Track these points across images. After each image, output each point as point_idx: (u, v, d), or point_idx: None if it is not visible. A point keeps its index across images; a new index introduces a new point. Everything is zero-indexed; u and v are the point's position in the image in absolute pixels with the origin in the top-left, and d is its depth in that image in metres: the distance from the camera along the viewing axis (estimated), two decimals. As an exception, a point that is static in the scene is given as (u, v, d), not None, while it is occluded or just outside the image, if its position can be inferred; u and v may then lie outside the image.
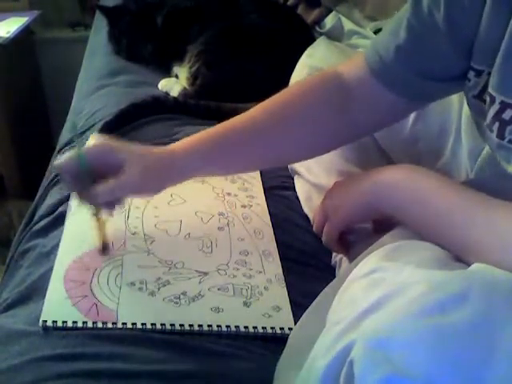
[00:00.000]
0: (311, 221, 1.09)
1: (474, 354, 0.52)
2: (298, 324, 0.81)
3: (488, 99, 0.81)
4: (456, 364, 0.52)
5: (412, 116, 1.11)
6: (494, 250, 0.68)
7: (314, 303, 0.79)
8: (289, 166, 1.24)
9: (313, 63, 1.25)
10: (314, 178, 1.14)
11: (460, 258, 0.72)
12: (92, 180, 0.89)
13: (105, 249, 0.96)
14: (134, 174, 0.89)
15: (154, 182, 0.94)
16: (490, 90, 0.80)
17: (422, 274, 0.62)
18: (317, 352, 0.60)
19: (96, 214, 0.94)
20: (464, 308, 0.55)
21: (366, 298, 0.61)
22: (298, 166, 1.19)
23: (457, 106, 1.10)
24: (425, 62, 0.91)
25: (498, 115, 0.79)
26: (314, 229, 1.00)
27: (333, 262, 1.02)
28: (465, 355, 0.52)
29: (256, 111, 1.02)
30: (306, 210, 1.14)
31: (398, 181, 0.82)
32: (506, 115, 0.78)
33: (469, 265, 0.68)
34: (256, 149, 1.00)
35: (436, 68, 0.91)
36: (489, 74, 0.81)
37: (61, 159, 0.91)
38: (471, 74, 0.85)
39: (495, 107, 0.79)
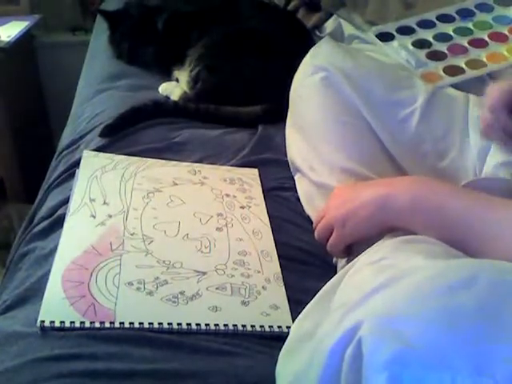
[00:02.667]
0: (314, 223, 1.09)
1: (482, 331, 0.53)
2: (299, 317, 0.81)
3: None
4: (465, 339, 0.53)
5: (416, 116, 1.11)
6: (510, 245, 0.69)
7: (315, 297, 0.79)
8: (290, 164, 1.23)
9: (317, 62, 1.25)
10: (317, 176, 1.13)
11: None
12: None
13: None
14: None
15: None
16: None
17: (431, 261, 0.63)
18: (323, 332, 0.61)
19: None
20: (473, 290, 0.56)
21: (373, 280, 0.61)
22: (300, 164, 1.18)
23: (462, 105, 1.10)
24: None
25: None
26: (316, 237, 0.99)
27: (334, 260, 1.02)
28: (474, 332, 0.53)
29: None
30: (307, 209, 1.14)
31: (411, 192, 0.82)
32: None
33: None
34: None
35: None
36: None
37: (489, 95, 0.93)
38: None
39: None
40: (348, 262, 0.87)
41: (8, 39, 2.35)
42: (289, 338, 0.77)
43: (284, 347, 0.75)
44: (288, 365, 0.72)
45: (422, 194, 0.81)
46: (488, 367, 0.51)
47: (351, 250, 0.95)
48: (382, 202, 0.84)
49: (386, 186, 0.85)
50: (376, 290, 0.59)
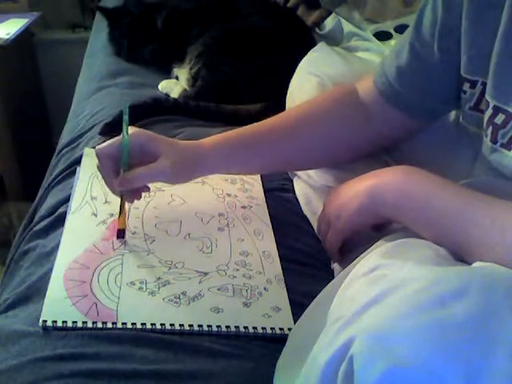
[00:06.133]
0: (312, 224, 1.10)
1: (473, 346, 0.52)
2: (297, 322, 0.81)
3: (485, 106, 0.83)
4: (456, 355, 0.52)
5: None
6: (496, 248, 0.68)
7: (313, 302, 0.79)
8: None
9: (312, 69, 1.26)
10: (312, 180, 1.15)
11: (462, 257, 0.72)
12: (126, 166, 0.96)
13: (120, 235, 1.00)
14: (166, 164, 0.97)
15: (182, 172, 1.02)
16: (486, 96, 0.82)
17: (423, 270, 0.62)
18: (318, 348, 0.60)
19: (122, 199, 1.00)
20: (464, 302, 0.55)
21: (366, 294, 0.61)
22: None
23: (453, 112, 1.10)
24: (426, 82, 0.97)
25: (491, 120, 0.82)
26: (317, 234, 1.00)
27: (332, 267, 1.02)
28: (465, 347, 0.52)
29: (282, 117, 1.10)
30: (305, 211, 1.14)
31: (397, 183, 0.82)
32: (498, 119, 0.81)
33: (470, 264, 0.68)
34: (279, 151, 1.07)
35: (436, 88, 0.97)
36: (483, 84, 0.85)
37: (104, 144, 0.98)
38: (466, 86, 0.88)
39: (489, 112, 0.81)
40: (343, 267, 0.88)
41: (7, 37, 2.35)
42: (285, 349, 0.77)
43: (280, 358, 0.76)
44: (285, 378, 0.72)
45: (407, 186, 0.80)
46: (480, 382, 0.51)
47: (347, 250, 0.95)
48: (371, 193, 0.84)
49: (375, 176, 0.85)
50: (368, 304, 0.59)
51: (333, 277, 0.95)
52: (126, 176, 0.96)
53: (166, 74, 1.70)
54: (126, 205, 1.05)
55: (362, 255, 0.75)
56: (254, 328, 0.86)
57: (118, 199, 1.02)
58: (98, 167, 0.99)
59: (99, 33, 2.04)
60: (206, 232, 1.04)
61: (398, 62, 0.99)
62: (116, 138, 0.97)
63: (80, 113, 1.56)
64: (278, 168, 1.17)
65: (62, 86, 2.41)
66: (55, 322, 0.83)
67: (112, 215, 1.04)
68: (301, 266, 1.02)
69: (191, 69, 1.60)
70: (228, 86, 1.57)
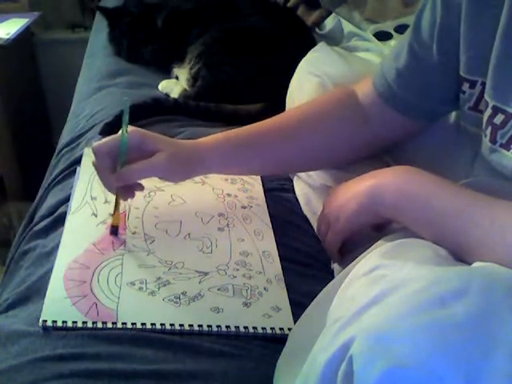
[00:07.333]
0: (312, 224, 1.10)
1: (473, 346, 0.52)
2: (297, 322, 0.81)
3: (484, 106, 0.84)
4: (456, 355, 0.52)
5: None
6: (495, 248, 0.68)
7: (314, 302, 0.79)
8: None
9: (312, 69, 1.26)
10: (312, 179, 1.15)
11: (461, 258, 0.72)
12: (124, 164, 0.97)
13: (113, 232, 1.01)
14: (162, 159, 0.98)
15: (179, 169, 1.02)
16: (485, 96, 0.82)
17: (422, 270, 0.62)
18: (318, 348, 0.60)
19: (117, 197, 1.00)
20: (464, 302, 0.55)
21: (366, 294, 0.61)
22: None
23: (454, 113, 1.10)
24: (425, 84, 0.97)
25: (490, 120, 0.82)
26: (321, 241, 1.00)
27: (332, 267, 1.02)
28: (465, 347, 0.52)
29: (282, 118, 1.10)
30: (305, 211, 1.14)
31: (397, 183, 0.81)
32: (497, 120, 0.81)
33: (470, 264, 0.68)
34: (279, 151, 1.07)
35: (435, 89, 0.97)
36: (482, 84, 0.85)
37: (102, 141, 1.00)
38: (465, 86, 0.88)
39: (488, 112, 0.81)
40: (343, 267, 0.88)
41: (7, 36, 2.35)
42: (285, 349, 0.77)
43: (280, 358, 0.76)
44: (285, 378, 0.72)
45: (407, 186, 0.80)
46: (480, 382, 0.51)
47: (347, 250, 0.95)
48: (370, 194, 0.84)
49: (375, 177, 0.85)
50: (368, 304, 0.59)
51: (333, 277, 0.95)
52: (122, 171, 0.96)
53: (166, 74, 1.70)
54: (126, 205, 1.05)
55: (362, 255, 0.75)
56: (254, 328, 0.86)
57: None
58: (94, 164, 0.99)
59: (99, 33, 2.04)
60: (206, 232, 1.04)
61: (396, 63, 0.99)
62: (114, 136, 0.98)
63: (80, 113, 1.56)
64: (278, 169, 1.16)
65: (62, 86, 2.41)
66: (55, 321, 0.83)
67: (112, 215, 1.04)
68: (301, 266, 1.02)
69: (191, 69, 1.60)
70: (228, 86, 1.57)
